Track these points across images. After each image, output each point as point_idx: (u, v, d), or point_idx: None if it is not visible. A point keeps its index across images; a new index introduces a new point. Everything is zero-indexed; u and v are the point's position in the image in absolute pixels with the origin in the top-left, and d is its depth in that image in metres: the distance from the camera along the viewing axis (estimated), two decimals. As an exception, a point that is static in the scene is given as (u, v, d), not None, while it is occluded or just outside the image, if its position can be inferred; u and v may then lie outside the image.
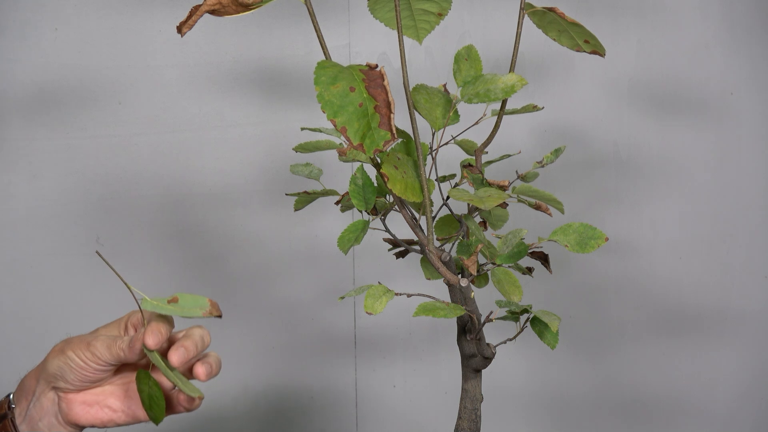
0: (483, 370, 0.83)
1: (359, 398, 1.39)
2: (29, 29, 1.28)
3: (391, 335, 1.39)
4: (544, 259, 0.89)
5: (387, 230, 0.82)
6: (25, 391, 0.75)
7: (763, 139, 1.36)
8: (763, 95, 1.35)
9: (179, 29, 0.68)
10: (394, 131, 0.63)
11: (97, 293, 1.33)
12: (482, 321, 0.76)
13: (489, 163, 0.88)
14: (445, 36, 1.31)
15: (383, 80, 0.65)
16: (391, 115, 0.63)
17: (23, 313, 1.32)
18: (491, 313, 0.75)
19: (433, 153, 0.79)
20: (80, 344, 0.71)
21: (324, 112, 0.63)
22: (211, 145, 1.33)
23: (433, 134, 0.79)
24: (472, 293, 0.73)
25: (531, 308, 0.75)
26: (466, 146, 0.89)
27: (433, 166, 0.80)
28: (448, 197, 0.82)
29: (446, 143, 0.85)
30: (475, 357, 0.82)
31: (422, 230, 0.75)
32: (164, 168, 1.33)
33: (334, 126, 0.62)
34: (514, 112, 0.86)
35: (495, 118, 0.82)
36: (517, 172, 0.87)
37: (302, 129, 0.95)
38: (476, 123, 0.85)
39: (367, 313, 0.71)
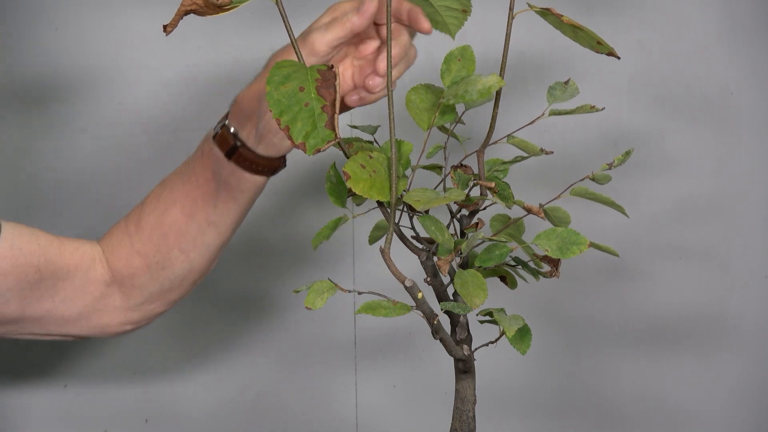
0: (480, 372, 0.83)
1: (359, 398, 1.39)
2: (29, 29, 1.28)
3: (391, 335, 1.39)
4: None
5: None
6: (246, 114, 0.73)
7: (763, 139, 1.35)
8: (763, 95, 1.35)
9: (164, 28, 0.68)
10: (338, 131, 0.63)
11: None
12: (432, 322, 0.75)
13: (493, 165, 0.88)
14: (446, 36, 1.31)
15: (335, 80, 0.65)
16: (336, 115, 0.63)
17: (23, 313, 1.32)
18: (436, 317, 0.74)
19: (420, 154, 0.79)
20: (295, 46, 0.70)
21: (271, 111, 0.63)
22: (211, 145, 1.33)
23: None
24: (420, 293, 0.72)
25: (498, 312, 0.74)
26: (522, 146, 0.87)
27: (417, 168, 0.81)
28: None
29: (494, 142, 0.84)
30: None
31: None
32: (164, 168, 1.33)
33: (279, 125, 0.63)
34: (568, 112, 0.85)
35: (553, 117, 0.81)
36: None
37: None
38: (531, 123, 0.84)
39: (306, 308, 0.71)
